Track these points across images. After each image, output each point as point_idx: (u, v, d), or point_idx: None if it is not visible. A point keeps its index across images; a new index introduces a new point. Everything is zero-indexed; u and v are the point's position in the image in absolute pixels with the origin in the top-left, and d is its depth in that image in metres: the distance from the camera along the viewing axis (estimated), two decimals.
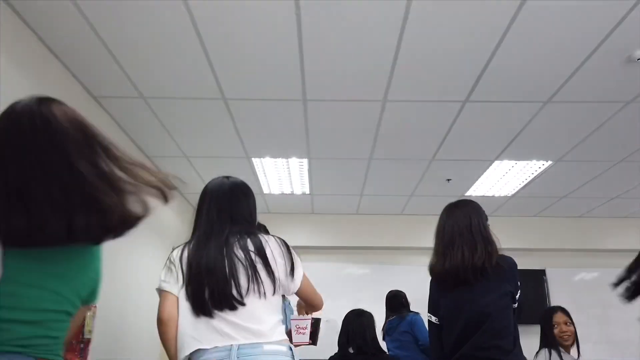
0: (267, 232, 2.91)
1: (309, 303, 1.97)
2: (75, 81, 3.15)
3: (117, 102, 3.47)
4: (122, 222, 1.16)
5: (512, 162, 4.52)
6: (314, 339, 1.93)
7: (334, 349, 3.22)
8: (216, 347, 1.56)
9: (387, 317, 4.08)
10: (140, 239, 4.09)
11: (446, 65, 2.96)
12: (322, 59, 2.91)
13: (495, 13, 2.50)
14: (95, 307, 3.08)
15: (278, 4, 2.45)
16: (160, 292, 1.70)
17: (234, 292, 1.62)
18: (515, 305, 1.95)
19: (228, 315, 1.60)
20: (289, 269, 1.77)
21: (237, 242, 1.72)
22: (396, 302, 4.06)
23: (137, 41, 2.75)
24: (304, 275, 1.87)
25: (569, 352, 2.92)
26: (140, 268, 4.24)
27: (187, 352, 1.59)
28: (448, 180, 5.01)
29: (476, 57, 2.89)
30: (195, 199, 5.80)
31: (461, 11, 2.49)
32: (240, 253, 1.69)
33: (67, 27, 2.63)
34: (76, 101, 3.19)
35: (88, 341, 3.11)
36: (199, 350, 1.57)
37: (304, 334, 1.84)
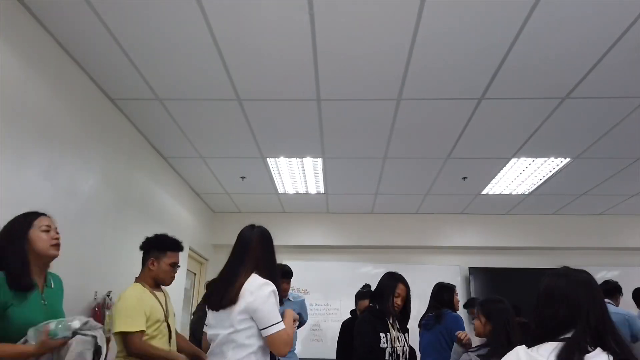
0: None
1: None
2: (92, 84, 3.20)
3: (133, 104, 3.51)
4: None
5: (530, 160, 4.46)
6: None
7: None
8: None
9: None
10: None
11: (461, 62, 2.93)
12: (336, 59, 2.91)
13: (511, 8, 2.47)
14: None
15: (292, 5, 2.45)
16: None
17: None
18: None
19: None
20: None
21: None
22: (437, 296, 3.60)
23: (153, 44, 2.78)
24: None
25: None
26: None
27: None
28: (464, 178, 4.96)
29: (492, 54, 2.85)
30: (210, 200, 5.85)
31: (475, 8, 2.46)
32: None
33: (84, 31, 2.67)
34: (93, 103, 3.25)
35: (108, 340, 3.15)
36: None
37: None
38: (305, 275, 5.86)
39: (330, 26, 2.62)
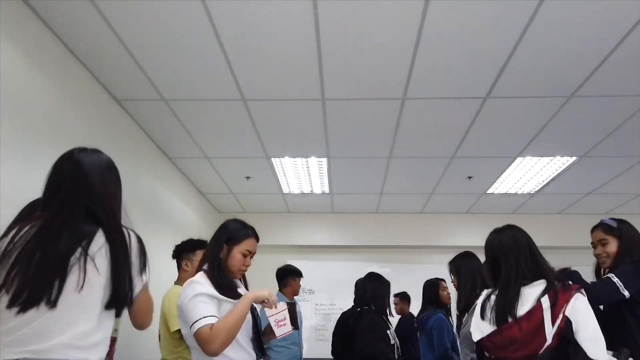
0: None
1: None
2: (98, 85, 3.21)
3: (139, 104, 3.53)
4: None
5: (535, 159, 4.44)
6: (295, 324, 1.93)
7: None
8: None
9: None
10: (163, 238, 4.15)
11: (466, 61, 2.93)
12: (340, 58, 2.91)
13: (517, 6, 2.46)
14: None
15: (296, 4, 2.45)
16: None
17: None
18: None
19: None
20: None
21: None
22: (425, 294, 3.65)
23: (157, 44, 2.79)
24: None
25: None
26: (164, 268, 4.30)
27: None
28: (469, 177, 4.95)
29: (497, 52, 2.84)
30: (215, 200, 5.86)
31: (480, 7, 2.45)
32: None
33: (89, 32, 2.68)
34: (99, 104, 3.26)
35: (114, 340, 3.17)
36: None
37: (285, 324, 1.85)
38: (310, 275, 5.84)
39: (335, 26, 2.62)
